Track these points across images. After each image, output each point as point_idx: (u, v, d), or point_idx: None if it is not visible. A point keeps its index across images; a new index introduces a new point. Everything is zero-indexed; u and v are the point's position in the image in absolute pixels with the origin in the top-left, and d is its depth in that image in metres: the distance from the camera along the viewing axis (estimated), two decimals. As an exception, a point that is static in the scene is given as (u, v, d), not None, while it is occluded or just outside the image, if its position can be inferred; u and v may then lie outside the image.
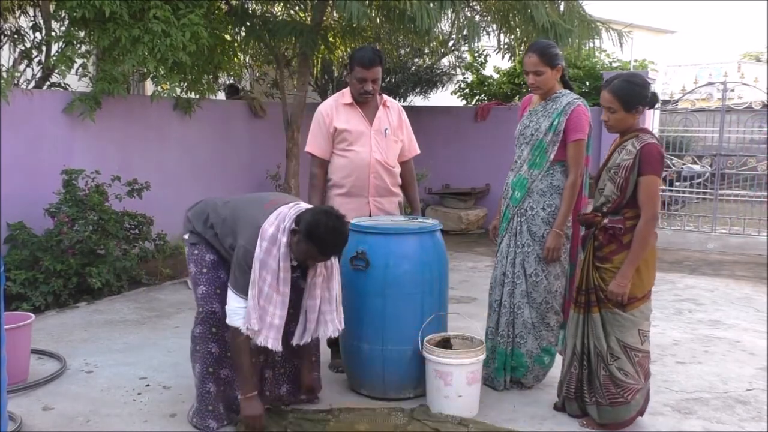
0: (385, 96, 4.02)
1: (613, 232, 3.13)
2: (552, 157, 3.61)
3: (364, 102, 3.91)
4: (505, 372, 3.75)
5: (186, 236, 3.33)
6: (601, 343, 3.21)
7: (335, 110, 3.92)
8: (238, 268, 3.01)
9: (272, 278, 2.97)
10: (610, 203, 3.17)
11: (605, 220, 3.16)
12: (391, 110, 4.01)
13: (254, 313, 2.96)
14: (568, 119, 3.59)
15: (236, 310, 3.01)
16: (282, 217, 3.01)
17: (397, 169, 4.03)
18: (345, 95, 3.95)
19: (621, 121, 3.16)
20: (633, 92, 3.11)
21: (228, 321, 3.05)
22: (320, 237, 2.91)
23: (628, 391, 3.21)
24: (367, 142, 3.88)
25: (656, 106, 3.38)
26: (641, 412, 3.36)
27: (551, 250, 3.58)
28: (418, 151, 4.17)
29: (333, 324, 3.23)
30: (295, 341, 3.25)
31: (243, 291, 3.00)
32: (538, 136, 3.63)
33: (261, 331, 2.99)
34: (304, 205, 3.12)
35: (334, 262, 3.21)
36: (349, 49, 8.61)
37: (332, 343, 4.04)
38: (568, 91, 3.72)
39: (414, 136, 4.14)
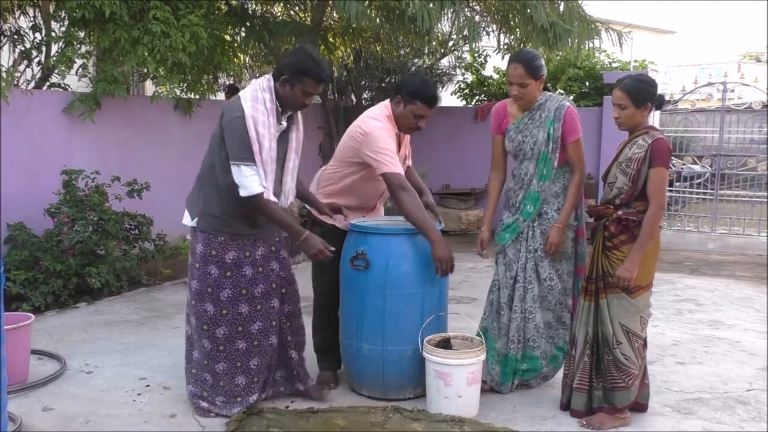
0: None
1: (627, 223, 3.26)
2: (556, 164, 3.60)
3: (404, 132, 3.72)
4: (514, 375, 3.73)
5: (194, 222, 3.30)
6: (608, 328, 3.32)
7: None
8: (234, 138, 3.09)
9: (264, 130, 3.10)
10: (623, 194, 3.28)
11: (619, 212, 3.28)
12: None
13: (261, 170, 3.10)
14: (563, 123, 3.57)
15: (250, 178, 3.09)
16: (254, 83, 3.21)
17: None
18: (392, 120, 3.62)
19: (631, 118, 3.28)
20: (642, 89, 3.26)
21: (248, 192, 3.09)
22: (311, 67, 3.14)
23: (629, 376, 3.31)
24: None
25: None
26: (640, 407, 3.47)
27: (554, 245, 3.58)
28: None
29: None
30: (281, 204, 3.35)
31: (247, 158, 3.08)
32: (539, 149, 3.59)
33: (267, 187, 3.14)
34: (267, 75, 3.27)
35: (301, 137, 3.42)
36: (349, 50, 8.61)
37: (318, 350, 3.91)
38: (549, 94, 3.67)
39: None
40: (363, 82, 10.27)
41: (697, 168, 9.70)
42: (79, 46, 6.04)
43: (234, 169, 3.10)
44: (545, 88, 3.71)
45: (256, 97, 3.13)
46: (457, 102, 11.47)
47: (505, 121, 3.74)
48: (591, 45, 7.54)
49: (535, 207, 3.61)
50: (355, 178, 3.67)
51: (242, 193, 3.11)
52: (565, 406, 3.50)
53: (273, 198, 3.18)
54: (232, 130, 3.10)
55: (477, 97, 11.29)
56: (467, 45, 9.66)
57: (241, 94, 3.18)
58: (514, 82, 3.57)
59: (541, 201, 3.61)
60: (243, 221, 3.27)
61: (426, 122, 3.66)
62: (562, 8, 7.14)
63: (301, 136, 3.45)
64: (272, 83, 3.19)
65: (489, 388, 3.69)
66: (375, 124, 3.53)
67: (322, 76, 3.19)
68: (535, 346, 3.68)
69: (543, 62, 3.60)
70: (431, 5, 6.08)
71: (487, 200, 3.91)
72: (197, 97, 7.25)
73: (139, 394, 3.70)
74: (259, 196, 3.11)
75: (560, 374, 3.62)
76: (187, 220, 3.36)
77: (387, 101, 3.69)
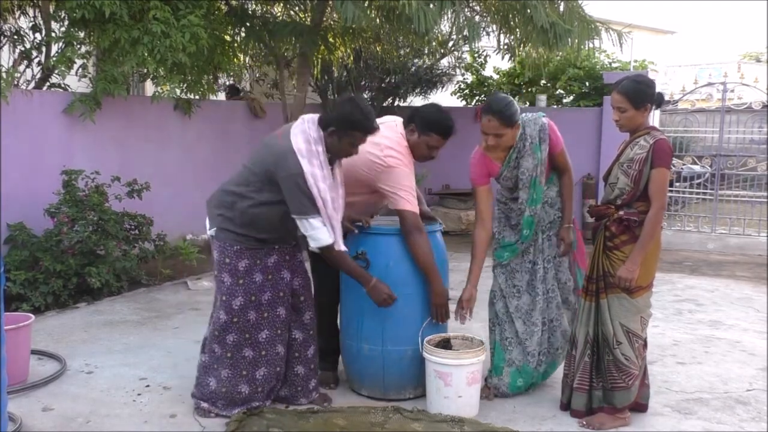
0: None
1: (628, 223, 3.26)
2: (545, 185, 3.59)
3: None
4: (526, 385, 3.72)
5: (213, 232, 3.34)
6: (608, 328, 3.32)
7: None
8: (297, 195, 3.11)
9: (324, 184, 3.12)
10: (625, 195, 3.29)
11: (620, 212, 3.28)
12: None
13: (328, 225, 3.16)
14: (549, 141, 3.55)
15: (320, 230, 3.15)
16: (303, 130, 3.16)
17: None
18: (409, 151, 3.54)
19: (631, 120, 3.28)
20: (640, 90, 3.25)
21: (318, 244, 3.17)
22: (360, 120, 3.14)
23: (629, 376, 3.31)
24: None
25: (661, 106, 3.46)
26: (640, 407, 3.47)
27: (570, 245, 3.62)
28: None
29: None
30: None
31: (313, 211, 3.12)
32: (531, 175, 3.54)
33: (337, 240, 3.20)
34: (309, 116, 3.26)
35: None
36: (349, 50, 8.61)
37: (318, 350, 3.85)
38: (523, 117, 3.56)
39: None
40: (363, 82, 10.27)
41: (697, 168, 9.70)
42: (79, 46, 6.04)
43: (302, 223, 3.15)
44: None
45: (311, 151, 3.12)
46: (457, 102, 11.47)
47: (493, 167, 3.62)
48: (591, 45, 7.53)
49: (530, 230, 3.60)
50: (356, 199, 3.62)
51: (312, 244, 3.18)
52: (565, 406, 3.51)
53: (343, 248, 3.24)
54: (293, 186, 3.11)
55: (477, 98, 11.29)
56: (467, 45, 9.66)
57: (294, 146, 3.11)
58: (489, 133, 3.47)
59: (536, 223, 3.59)
60: (257, 239, 3.29)
61: (439, 152, 3.60)
62: (562, 8, 7.14)
63: (343, 170, 3.40)
64: (321, 133, 3.16)
65: (494, 396, 3.67)
66: (399, 158, 3.45)
67: (370, 129, 3.19)
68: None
69: (516, 107, 3.48)
70: (431, 6, 6.08)
71: (473, 259, 3.64)
72: (197, 97, 7.25)
73: (139, 394, 3.70)
74: (330, 247, 3.17)
75: (560, 374, 3.62)
76: (207, 228, 3.40)
77: (400, 125, 3.58)
